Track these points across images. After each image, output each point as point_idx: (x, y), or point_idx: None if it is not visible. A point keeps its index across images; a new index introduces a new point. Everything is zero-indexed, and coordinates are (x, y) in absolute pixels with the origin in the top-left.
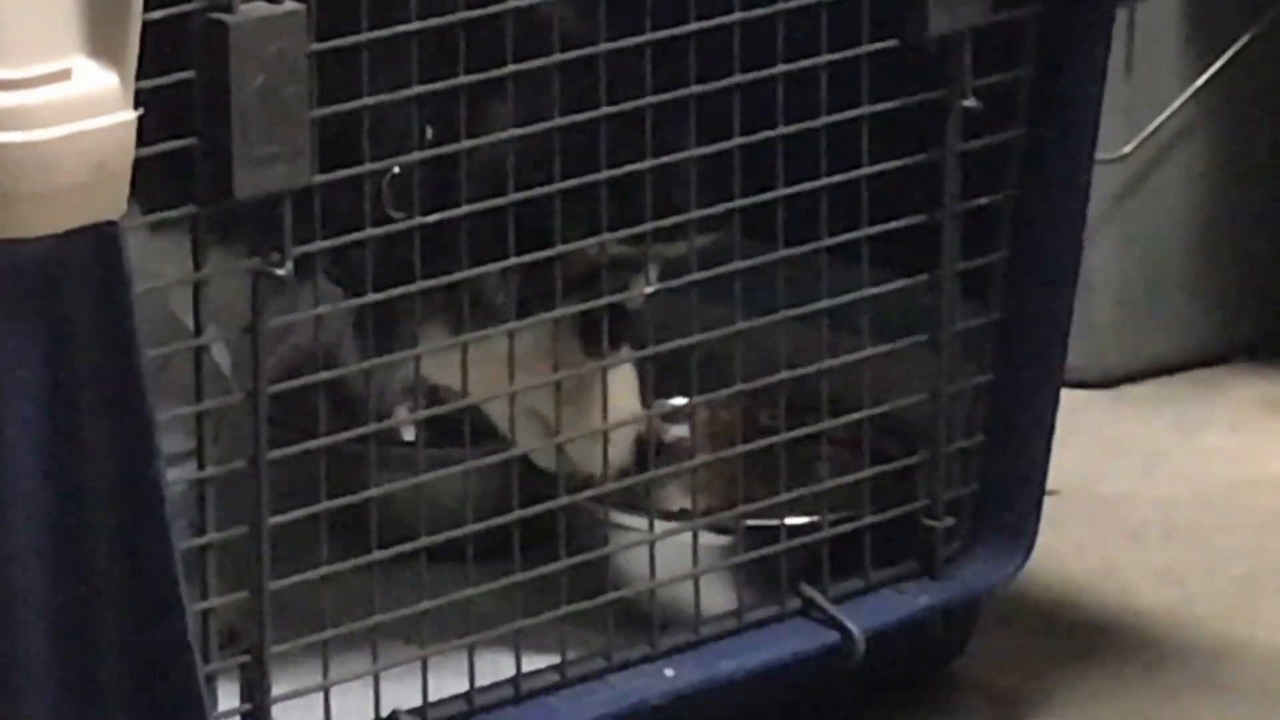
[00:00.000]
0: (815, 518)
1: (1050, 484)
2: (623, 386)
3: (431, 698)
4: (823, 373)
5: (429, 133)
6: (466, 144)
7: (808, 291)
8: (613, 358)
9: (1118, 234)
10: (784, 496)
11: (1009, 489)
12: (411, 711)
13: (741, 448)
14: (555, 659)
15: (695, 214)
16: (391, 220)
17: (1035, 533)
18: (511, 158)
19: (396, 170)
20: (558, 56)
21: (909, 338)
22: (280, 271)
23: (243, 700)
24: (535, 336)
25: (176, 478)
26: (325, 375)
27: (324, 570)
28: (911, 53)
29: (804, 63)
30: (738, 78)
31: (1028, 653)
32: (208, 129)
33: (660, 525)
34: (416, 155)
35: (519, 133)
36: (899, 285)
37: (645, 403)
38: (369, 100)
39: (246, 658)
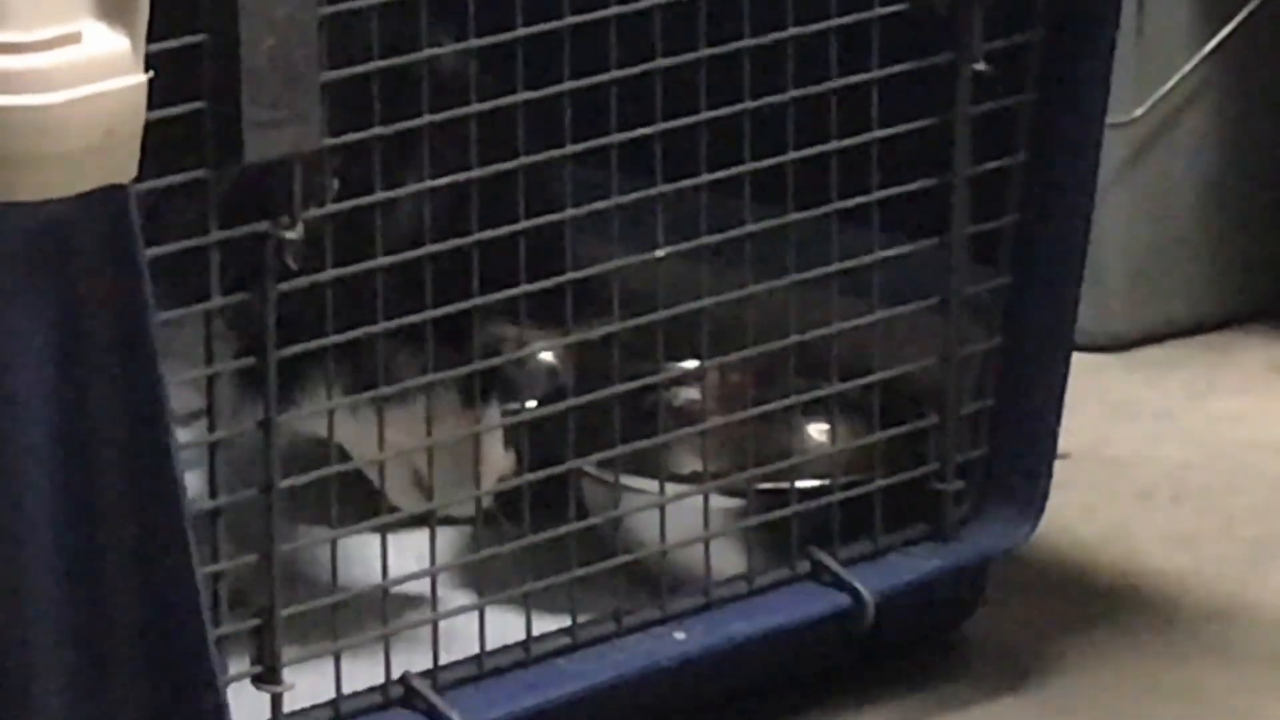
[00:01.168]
0: (825, 481)
1: (1060, 447)
2: (490, 437)
3: (442, 661)
4: (833, 336)
5: (335, 185)
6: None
7: (818, 255)
8: (486, 412)
9: (1128, 198)
10: (794, 460)
11: (1019, 452)
12: (422, 674)
13: (752, 411)
14: (565, 622)
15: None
16: (291, 272)
17: (1045, 496)
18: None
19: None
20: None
21: (919, 301)
22: (291, 235)
23: (253, 663)
24: (424, 402)
25: (189, 440)
26: (334, 339)
27: (334, 533)
28: (921, 16)
29: (814, 26)
30: (748, 41)
31: (1037, 616)
32: (217, 93)
33: (671, 488)
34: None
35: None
36: (909, 249)
37: (508, 448)
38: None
39: (257, 621)
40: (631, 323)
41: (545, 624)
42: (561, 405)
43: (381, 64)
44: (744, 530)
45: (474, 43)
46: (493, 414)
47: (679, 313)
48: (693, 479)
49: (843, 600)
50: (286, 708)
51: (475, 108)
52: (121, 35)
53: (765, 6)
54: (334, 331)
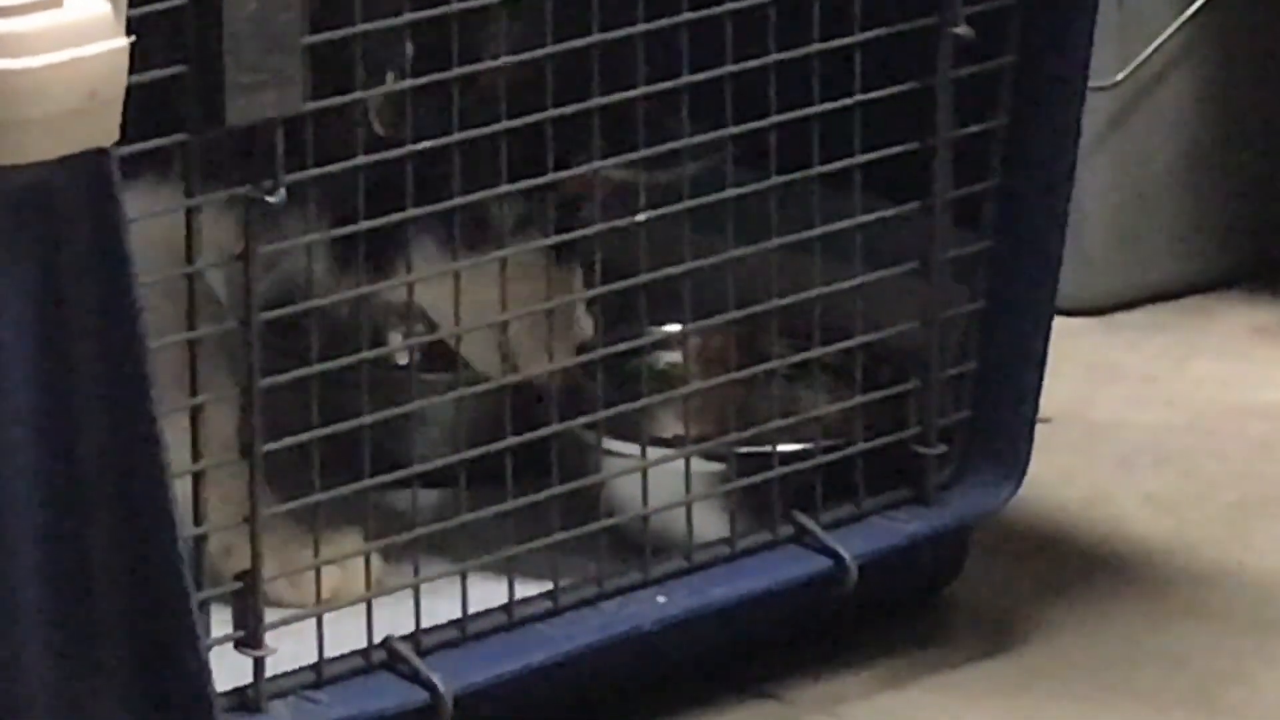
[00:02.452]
0: (808, 445)
1: (1042, 411)
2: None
3: (424, 624)
4: (815, 300)
5: (410, 50)
6: (454, 72)
7: (800, 219)
8: (571, 274)
9: (1109, 161)
10: (776, 423)
11: (1001, 416)
12: (404, 638)
13: (733, 375)
14: (548, 586)
15: (688, 141)
16: (381, 141)
17: (1027, 460)
18: (505, 80)
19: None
20: None
21: (901, 265)
22: (272, 199)
23: (236, 627)
24: (523, 257)
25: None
26: (318, 302)
27: (317, 497)
28: None
29: None
30: (730, 4)
31: (1019, 579)
32: (199, 56)
33: (653, 452)
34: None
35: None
36: (891, 213)
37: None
38: (362, 28)
39: (239, 585)
40: (613, 286)
41: (527, 588)
42: (545, 369)
43: (365, 27)
44: (726, 494)
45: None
46: (576, 277)
47: (661, 276)
48: (675, 443)
49: (824, 563)
50: (269, 671)
51: None
52: None
53: None
54: (425, 189)
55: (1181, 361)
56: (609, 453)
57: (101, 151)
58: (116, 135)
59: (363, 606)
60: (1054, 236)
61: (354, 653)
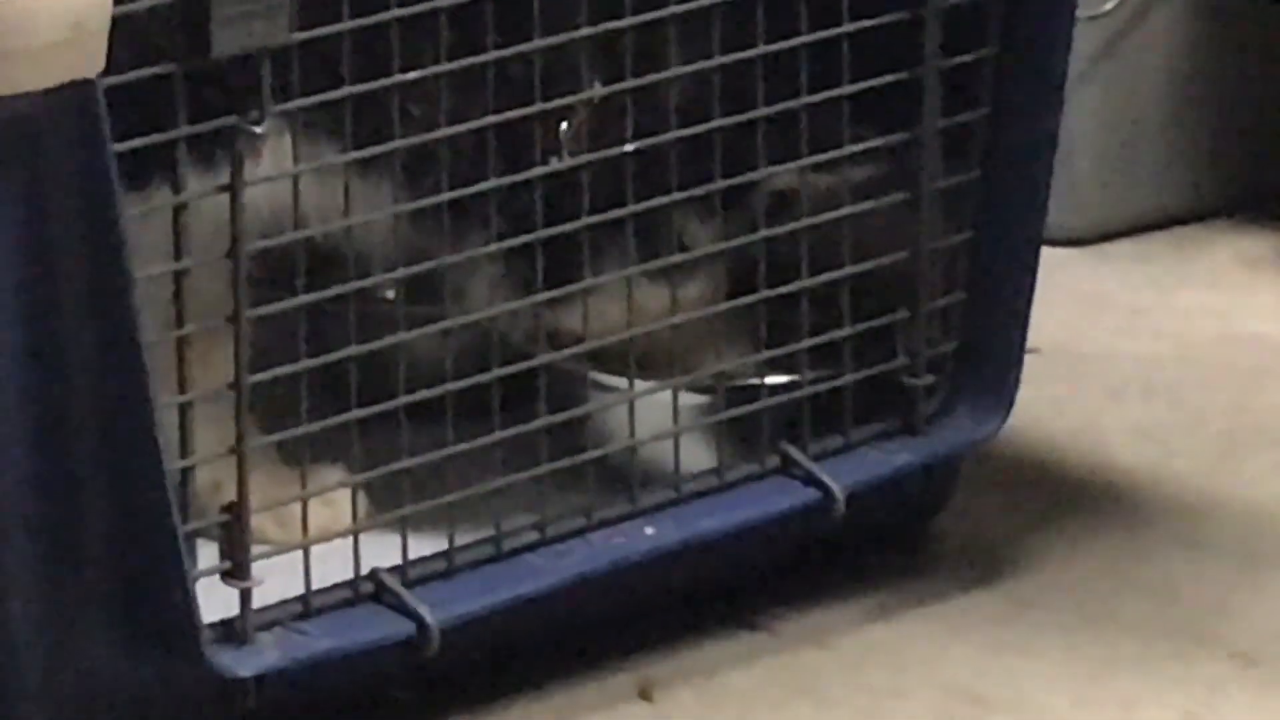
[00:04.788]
0: (795, 376)
1: (1030, 342)
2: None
3: (411, 556)
4: (803, 230)
5: (596, 85)
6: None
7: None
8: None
9: (1098, 92)
10: (764, 355)
11: (989, 347)
12: (391, 570)
13: (720, 306)
14: (535, 517)
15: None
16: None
17: (1015, 390)
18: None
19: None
20: None
21: (889, 196)
22: (258, 129)
23: (222, 559)
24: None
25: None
26: (309, 231)
27: (303, 429)
28: None
29: None
30: None
31: (1007, 510)
32: None
33: (640, 384)
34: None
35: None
36: (879, 143)
37: None
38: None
39: (226, 517)
40: (598, 218)
41: (514, 520)
42: (531, 299)
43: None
44: (714, 425)
45: None
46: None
47: (646, 209)
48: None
49: (812, 495)
50: (256, 603)
51: None
52: None
53: None
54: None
55: (1170, 292)
56: (597, 385)
57: (87, 83)
58: (102, 66)
59: (349, 539)
60: (1042, 167)
61: (341, 584)
